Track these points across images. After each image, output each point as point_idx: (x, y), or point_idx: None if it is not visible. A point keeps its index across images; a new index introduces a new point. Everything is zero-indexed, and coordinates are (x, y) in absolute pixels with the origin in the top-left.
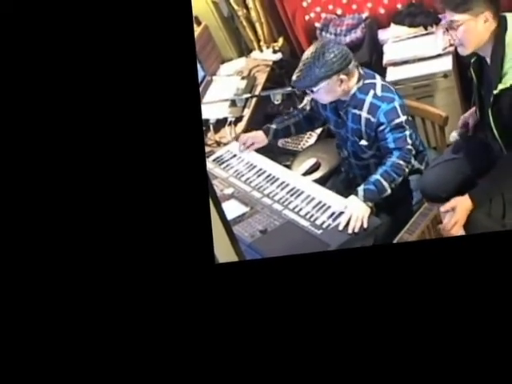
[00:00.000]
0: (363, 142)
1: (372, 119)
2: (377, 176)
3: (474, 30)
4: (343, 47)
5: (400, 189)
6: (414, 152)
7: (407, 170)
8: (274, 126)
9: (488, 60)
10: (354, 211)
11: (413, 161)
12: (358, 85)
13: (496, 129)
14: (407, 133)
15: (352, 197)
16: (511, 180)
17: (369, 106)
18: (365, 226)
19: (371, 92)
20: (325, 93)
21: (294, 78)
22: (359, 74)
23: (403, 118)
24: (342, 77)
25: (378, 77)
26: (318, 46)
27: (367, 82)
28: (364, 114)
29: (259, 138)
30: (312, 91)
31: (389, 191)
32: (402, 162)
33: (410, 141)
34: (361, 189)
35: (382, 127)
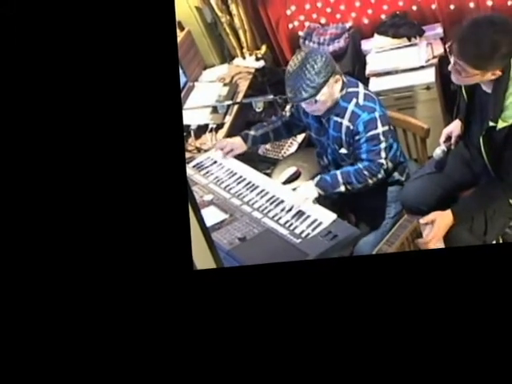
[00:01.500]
0: (343, 151)
1: (351, 127)
2: (337, 171)
3: (477, 79)
4: (322, 51)
5: (379, 200)
6: (385, 166)
7: (370, 182)
8: (252, 133)
9: (482, 85)
10: (302, 190)
11: (380, 175)
12: (341, 93)
13: (486, 155)
14: (382, 146)
15: (308, 181)
16: (495, 202)
17: (350, 114)
18: (304, 196)
19: (354, 100)
20: (325, 100)
21: (290, 94)
22: (343, 82)
23: (381, 129)
24: (336, 77)
25: (360, 85)
26: (303, 58)
27: (350, 90)
28: (345, 122)
29: (237, 144)
30: (316, 101)
31: (342, 189)
32: (365, 172)
33: (383, 154)
34: (318, 176)
35: (358, 136)
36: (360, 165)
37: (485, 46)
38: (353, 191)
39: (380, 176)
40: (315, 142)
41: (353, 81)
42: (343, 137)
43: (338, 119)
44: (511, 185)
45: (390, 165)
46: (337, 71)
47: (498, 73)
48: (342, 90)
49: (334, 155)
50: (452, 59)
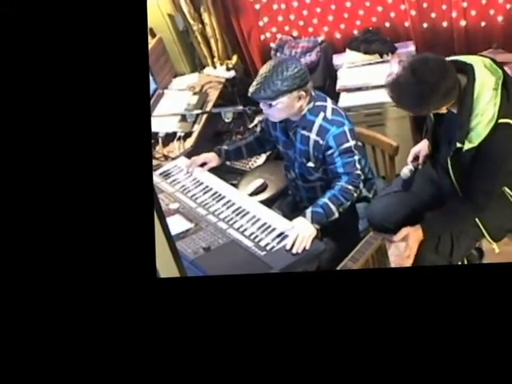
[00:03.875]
0: (310, 164)
1: (321, 142)
2: (325, 199)
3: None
4: (302, 64)
5: (346, 216)
6: (362, 177)
7: (355, 195)
8: (225, 147)
9: None
10: (301, 232)
11: (361, 186)
12: (308, 106)
13: (454, 176)
14: (356, 158)
15: (300, 218)
16: (464, 220)
17: (318, 128)
18: (307, 247)
19: (321, 114)
20: (281, 108)
21: (251, 89)
22: (311, 95)
23: (352, 142)
24: (302, 93)
25: (329, 100)
26: (280, 60)
27: (318, 104)
28: (313, 136)
29: (211, 158)
30: (270, 105)
31: (336, 215)
32: (350, 187)
33: (358, 166)
34: (309, 211)
35: (330, 151)
36: (341, 182)
37: (413, 104)
38: (343, 212)
39: (361, 187)
40: (283, 155)
41: (321, 95)
42: (311, 150)
43: (305, 133)
44: (480, 205)
45: (367, 176)
46: (305, 87)
47: (449, 103)
48: (309, 103)
49: (301, 169)
50: None
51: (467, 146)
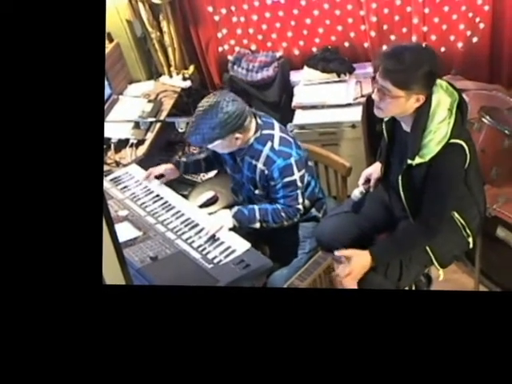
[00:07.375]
0: (258, 192)
1: (266, 172)
2: (256, 207)
3: (402, 105)
4: (238, 104)
5: (295, 235)
6: (301, 211)
7: (286, 223)
8: (184, 160)
9: (403, 124)
10: (218, 218)
11: (296, 219)
12: (255, 135)
13: (405, 197)
14: (299, 191)
15: (226, 209)
16: (416, 247)
17: (265, 158)
18: (215, 233)
19: (269, 144)
20: (220, 148)
21: (187, 131)
22: (257, 124)
23: (297, 175)
24: (237, 135)
25: (276, 127)
26: (212, 103)
27: (265, 132)
28: (260, 166)
29: (170, 171)
30: (207, 148)
31: (257, 225)
32: (283, 214)
33: (300, 200)
34: (236, 207)
35: (273, 182)
36: (278, 205)
37: (408, 62)
38: (267, 228)
39: (295, 219)
40: (230, 177)
41: (268, 122)
42: (257, 178)
43: (253, 161)
44: (431, 228)
45: (306, 203)
46: (241, 129)
47: (422, 98)
48: (256, 132)
49: (248, 193)
50: (377, 83)
51: (417, 160)
